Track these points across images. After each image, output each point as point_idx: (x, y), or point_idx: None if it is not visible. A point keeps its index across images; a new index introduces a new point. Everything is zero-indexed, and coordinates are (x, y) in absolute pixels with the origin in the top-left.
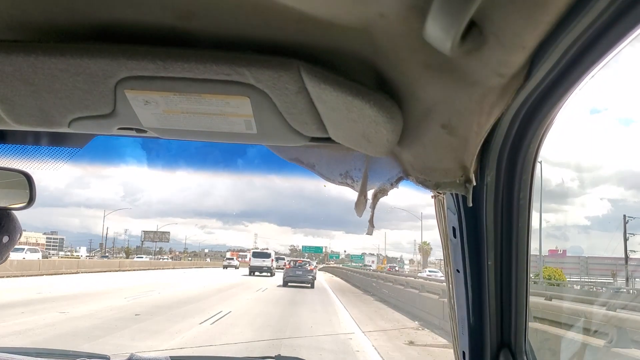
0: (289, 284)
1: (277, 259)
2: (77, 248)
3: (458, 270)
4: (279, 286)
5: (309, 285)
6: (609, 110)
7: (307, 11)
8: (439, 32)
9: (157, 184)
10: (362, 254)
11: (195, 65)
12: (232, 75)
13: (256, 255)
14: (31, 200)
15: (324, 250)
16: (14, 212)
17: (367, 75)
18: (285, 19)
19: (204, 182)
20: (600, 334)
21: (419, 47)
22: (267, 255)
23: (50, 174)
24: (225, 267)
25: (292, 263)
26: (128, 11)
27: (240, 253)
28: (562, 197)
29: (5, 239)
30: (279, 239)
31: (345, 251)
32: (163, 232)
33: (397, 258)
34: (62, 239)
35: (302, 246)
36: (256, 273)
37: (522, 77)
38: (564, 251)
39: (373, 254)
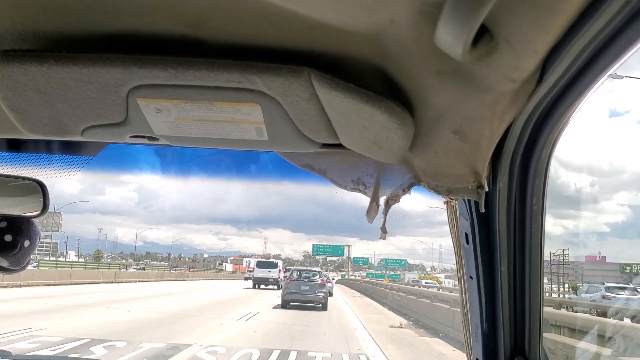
0: (291, 303)
1: (287, 270)
2: (66, 253)
3: (471, 277)
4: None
5: (320, 305)
6: (630, 112)
7: (318, 18)
8: (450, 38)
9: (170, 191)
10: (402, 260)
11: (207, 73)
12: (243, 82)
13: (261, 265)
14: (45, 208)
15: (345, 251)
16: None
17: (377, 81)
18: (295, 27)
19: (217, 188)
20: None
21: (430, 52)
22: (274, 265)
23: (64, 182)
24: (246, 278)
25: (295, 274)
26: (139, 21)
27: (245, 259)
28: (581, 202)
29: (27, 243)
30: (293, 246)
31: (375, 253)
32: (50, 214)
33: (417, 265)
34: (56, 243)
35: (313, 245)
36: (262, 286)
37: (534, 82)
38: (603, 257)
39: (415, 266)
